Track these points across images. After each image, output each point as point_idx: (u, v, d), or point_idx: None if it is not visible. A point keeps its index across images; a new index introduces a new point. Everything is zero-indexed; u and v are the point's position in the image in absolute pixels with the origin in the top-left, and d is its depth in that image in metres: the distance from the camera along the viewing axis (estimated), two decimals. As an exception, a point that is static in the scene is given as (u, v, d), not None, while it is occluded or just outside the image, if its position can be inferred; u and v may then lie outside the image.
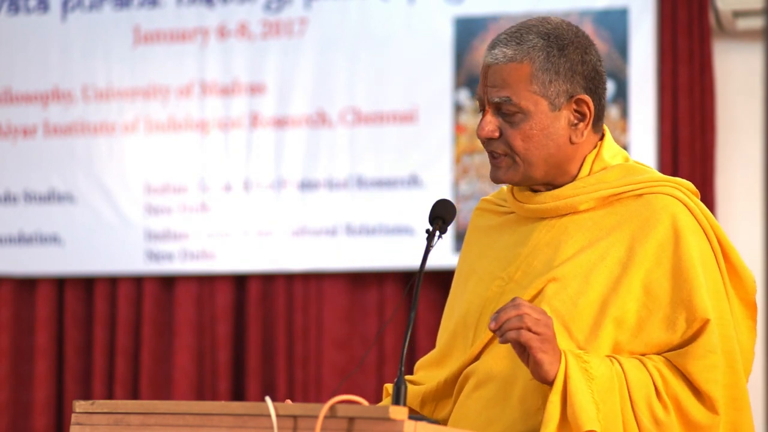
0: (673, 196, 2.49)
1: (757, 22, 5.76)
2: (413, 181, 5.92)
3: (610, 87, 5.80)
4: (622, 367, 2.37)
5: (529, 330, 2.28)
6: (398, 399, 2.21)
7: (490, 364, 2.47)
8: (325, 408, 2.10)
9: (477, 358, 2.51)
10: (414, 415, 2.14)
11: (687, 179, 6.17)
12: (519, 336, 2.28)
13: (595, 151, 2.53)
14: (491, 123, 2.49)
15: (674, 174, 5.70)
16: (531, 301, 2.46)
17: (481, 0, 5.93)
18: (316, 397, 5.94)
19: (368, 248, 5.95)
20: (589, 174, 2.52)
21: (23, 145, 6.27)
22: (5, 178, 6.28)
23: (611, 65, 5.79)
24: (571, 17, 5.82)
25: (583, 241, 2.48)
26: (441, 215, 2.47)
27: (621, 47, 5.78)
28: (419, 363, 2.69)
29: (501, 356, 2.46)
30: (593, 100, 2.49)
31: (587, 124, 2.50)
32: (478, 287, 2.57)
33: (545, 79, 2.46)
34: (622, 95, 5.78)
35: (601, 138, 2.56)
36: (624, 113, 5.77)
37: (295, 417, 2.14)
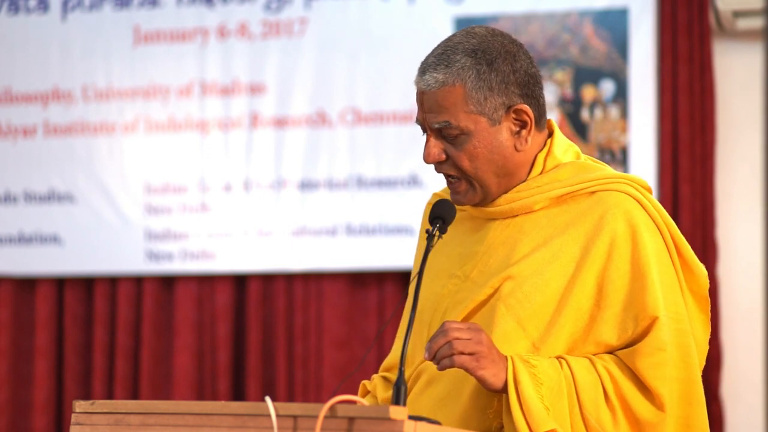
0: (626, 193, 2.51)
1: (757, 22, 5.76)
2: (413, 181, 5.92)
3: (610, 87, 5.80)
4: (570, 369, 2.39)
5: (462, 353, 2.31)
6: (398, 399, 2.21)
7: None
8: (325, 408, 2.10)
9: None
10: (414, 416, 2.14)
11: (687, 179, 6.14)
12: (452, 363, 2.32)
13: (546, 148, 2.55)
14: (436, 147, 2.51)
15: (674, 174, 5.71)
16: (487, 300, 2.49)
17: (481, 0, 5.93)
18: (316, 397, 5.94)
19: (368, 248, 5.95)
20: (541, 172, 2.54)
21: (23, 145, 6.27)
22: (5, 178, 6.28)
23: (611, 65, 5.79)
24: (571, 17, 5.83)
25: (538, 239, 2.50)
26: (441, 215, 2.48)
27: (621, 47, 5.78)
28: (386, 362, 2.71)
29: None
30: (531, 105, 2.50)
31: (529, 130, 2.51)
32: (433, 285, 2.58)
33: (480, 97, 2.47)
34: (622, 95, 5.78)
35: (550, 134, 2.57)
36: (624, 113, 5.77)
37: (295, 417, 2.14)
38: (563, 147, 2.57)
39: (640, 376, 2.40)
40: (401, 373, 2.25)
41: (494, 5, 5.91)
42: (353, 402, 2.13)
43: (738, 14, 5.77)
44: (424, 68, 2.50)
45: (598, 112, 5.81)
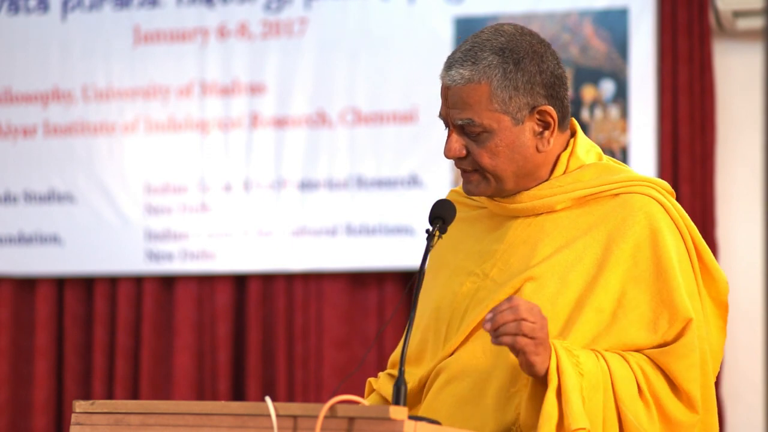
0: (650, 196, 2.50)
1: (757, 22, 5.76)
2: (413, 181, 5.92)
3: (610, 87, 5.80)
4: (607, 363, 2.38)
5: (525, 336, 2.28)
6: (398, 399, 2.21)
7: (464, 360, 2.47)
8: (325, 408, 2.10)
9: (451, 355, 2.50)
10: (414, 415, 2.14)
11: (687, 179, 6.14)
12: (515, 343, 2.29)
13: (569, 149, 2.54)
14: (457, 142, 2.50)
15: (674, 174, 5.71)
16: None
17: (481, 0, 5.93)
18: (316, 397, 5.94)
19: (368, 248, 5.95)
20: (564, 172, 2.53)
21: (23, 145, 6.27)
22: (5, 178, 6.28)
23: (611, 65, 5.79)
24: (571, 17, 5.83)
25: (561, 240, 2.49)
26: (441, 215, 2.47)
27: (621, 47, 5.78)
28: (393, 358, 2.69)
29: (476, 353, 2.46)
30: (555, 106, 2.49)
31: (552, 132, 2.50)
32: (450, 282, 2.57)
33: (504, 96, 2.46)
34: (622, 95, 5.78)
35: (573, 135, 2.57)
36: (624, 113, 5.77)
37: (295, 417, 2.14)
38: (586, 147, 2.56)
39: (673, 377, 2.40)
40: (401, 373, 2.24)
41: (494, 5, 5.91)
42: (353, 402, 2.13)
43: (738, 14, 5.77)
44: (451, 63, 2.50)
45: (598, 112, 5.81)
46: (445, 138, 2.53)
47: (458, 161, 2.52)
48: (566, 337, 2.42)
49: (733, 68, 5.88)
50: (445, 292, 2.56)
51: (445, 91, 2.50)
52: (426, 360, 2.56)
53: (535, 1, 5.85)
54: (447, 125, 2.53)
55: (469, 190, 2.54)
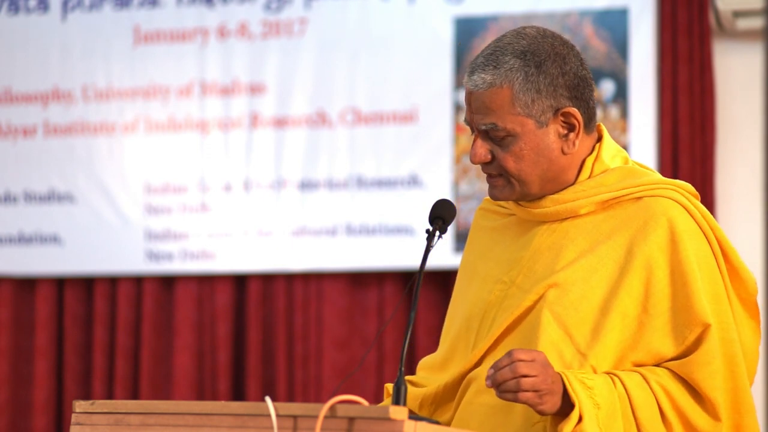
0: (673, 199, 2.49)
1: (757, 22, 5.76)
2: (413, 181, 5.92)
3: (610, 87, 5.80)
4: (625, 387, 2.37)
5: (527, 392, 2.28)
6: (398, 399, 2.22)
7: None
8: (325, 408, 2.10)
9: (479, 363, 2.51)
10: (414, 416, 2.14)
11: (687, 179, 6.17)
12: (516, 399, 2.29)
13: (594, 153, 2.53)
14: (482, 148, 2.49)
15: (674, 174, 5.71)
16: (533, 306, 2.46)
17: (481, 0, 5.93)
18: (316, 397, 5.94)
19: (368, 248, 5.95)
20: (589, 177, 2.52)
21: (23, 145, 6.27)
22: (5, 178, 6.28)
23: (611, 65, 5.79)
24: (571, 17, 5.83)
25: (584, 245, 2.48)
26: (441, 215, 2.47)
27: (621, 47, 5.78)
28: (422, 363, 2.69)
29: None
30: (580, 107, 2.50)
31: (577, 134, 2.50)
32: (480, 290, 2.57)
33: (527, 99, 2.46)
34: (622, 95, 5.78)
35: (599, 139, 2.56)
36: (624, 113, 5.77)
37: (295, 417, 2.14)
38: (612, 152, 2.55)
39: (697, 386, 2.39)
40: (401, 373, 2.25)
41: (494, 5, 5.91)
42: (353, 402, 2.13)
43: (738, 14, 5.77)
44: (473, 68, 2.49)
45: (598, 112, 5.79)
46: (471, 143, 2.52)
47: (484, 166, 2.51)
48: (594, 344, 2.41)
49: (733, 68, 5.88)
50: (476, 300, 2.57)
51: (469, 97, 2.49)
52: (452, 367, 2.57)
53: (535, 1, 5.85)
54: (472, 130, 2.52)
55: (494, 195, 2.53)
